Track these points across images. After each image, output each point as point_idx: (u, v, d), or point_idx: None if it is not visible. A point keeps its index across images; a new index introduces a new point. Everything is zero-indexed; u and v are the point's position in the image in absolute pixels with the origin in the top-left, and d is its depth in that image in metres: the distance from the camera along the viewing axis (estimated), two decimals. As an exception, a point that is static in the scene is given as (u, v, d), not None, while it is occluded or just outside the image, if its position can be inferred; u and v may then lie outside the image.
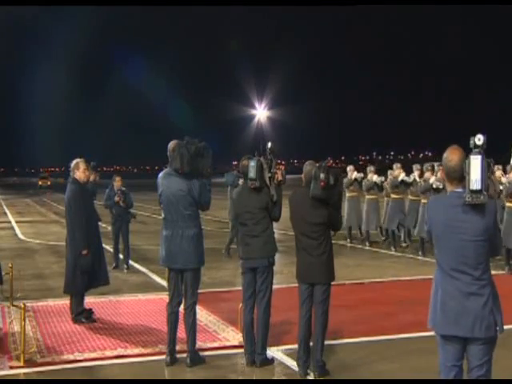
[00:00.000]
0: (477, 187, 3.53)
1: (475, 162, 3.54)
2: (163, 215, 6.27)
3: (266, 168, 6.03)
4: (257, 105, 69.13)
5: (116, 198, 11.98)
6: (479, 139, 3.63)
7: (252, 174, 5.99)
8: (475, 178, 3.54)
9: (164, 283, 10.11)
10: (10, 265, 8.57)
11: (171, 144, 6.11)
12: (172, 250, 6.11)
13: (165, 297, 9.15)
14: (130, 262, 12.25)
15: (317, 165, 5.73)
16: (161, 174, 6.28)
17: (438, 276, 3.81)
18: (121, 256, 12.28)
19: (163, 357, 6.25)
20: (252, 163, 5.99)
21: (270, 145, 6.17)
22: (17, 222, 24.03)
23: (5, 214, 28.02)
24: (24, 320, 6.30)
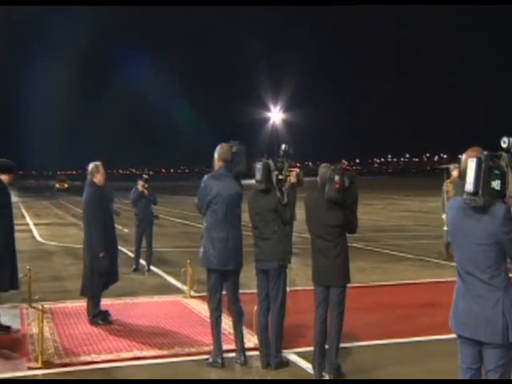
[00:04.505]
0: (470, 189, 3.53)
1: (471, 165, 3.55)
2: (212, 217, 6.15)
3: (275, 170, 6.02)
4: (272, 107, 69.14)
5: (140, 188, 12.10)
6: (504, 142, 3.60)
7: (258, 176, 6.00)
8: (470, 181, 3.54)
9: (179, 285, 10.13)
10: (28, 267, 8.64)
11: (229, 147, 6.16)
12: (228, 252, 6.09)
13: (180, 299, 9.18)
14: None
15: (332, 167, 5.71)
16: (209, 176, 6.23)
17: (456, 277, 3.80)
18: (141, 260, 12.32)
19: (179, 359, 6.26)
20: (258, 165, 6.01)
21: (283, 147, 6.15)
22: (35, 224, 24.18)
23: (23, 216, 28.21)
24: (42, 322, 6.33)
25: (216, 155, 6.24)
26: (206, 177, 6.28)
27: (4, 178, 7.50)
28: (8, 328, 7.41)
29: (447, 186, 12.83)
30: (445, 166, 12.89)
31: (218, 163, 6.23)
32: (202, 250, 6.22)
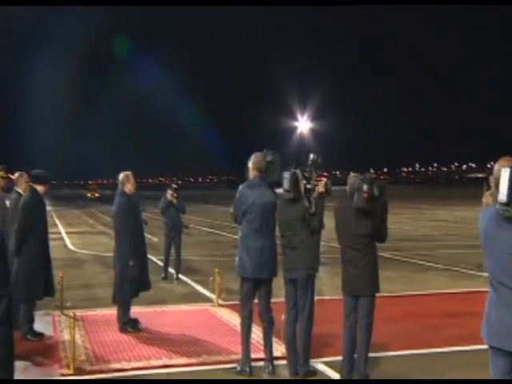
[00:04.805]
0: (504, 200, 3.49)
1: (504, 175, 3.50)
2: (247, 226, 6.18)
3: (302, 179, 6.03)
4: (299, 116, 69.07)
5: (169, 197, 12.18)
6: None
7: (286, 185, 6.01)
8: (503, 191, 3.50)
9: (208, 293, 10.19)
10: (61, 275, 8.78)
11: (264, 156, 6.20)
12: (263, 261, 6.12)
13: (209, 307, 9.23)
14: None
15: (360, 177, 5.71)
16: (245, 185, 6.26)
17: (489, 287, 3.77)
18: (170, 269, 12.40)
19: (208, 367, 6.30)
20: (286, 175, 6.01)
21: (312, 156, 6.15)
22: (67, 232, 24.50)
23: (55, 225, 28.58)
24: (74, 329, 6.43)
25: (250, 164, 6.26)
26: (241, 186, 6.31)
27: (40, 188, 7.68)
28: (41, 335, 7.53)
29: (487, 198, 12.51)
30: (476, 176, 12.68)
31: (252, 172, 6.26)
32: (237, 258, 6.26)
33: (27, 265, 7.37)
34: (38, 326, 7.70)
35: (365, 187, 5.53)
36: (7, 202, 7.99)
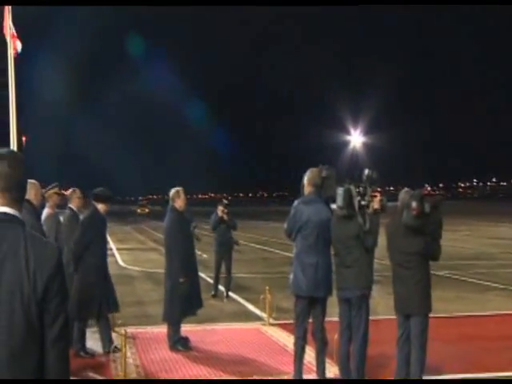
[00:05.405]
0: None
1: None
2: (302, 242, 6.20)
3: (357, 195, 5.98)
4: (352, 130, 68.65)
5: (220, 213, 12.25)
6: None
7: (339, 201, 5.95)
8: None
9: (258, 312, 10.22)
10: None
11: (319, 171, 6.22)
12: (318, 279, 6.13)
13: (259, 326, 9.26)
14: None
15: (411, 192, 5.67)
16: (300, 201, 6.30)
17: None
18: (220, 286, 12.47)
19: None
20: (340, 191, 5.96)
21: (367, 172, 6.09)
22: (117, 249, 24.92)
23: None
24: (125, 346, 6.56)
25: (305, 180, 6.27)
26: (296, 202, 6.33)
27: (101, 206, 7.79)
28: (93, 352, 7.68)
29: None
30: None
31: (307, 188, 6.27)
32: (291, 276, 6.27)
33: (82, 283, 7.51)
34: (90, 343, 7.87)
35: (414, 204, 5.48)
36: (61, 219, 8.21)
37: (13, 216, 2.12)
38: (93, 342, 8.03)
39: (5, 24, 12.91)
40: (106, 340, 7.62)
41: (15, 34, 12.90)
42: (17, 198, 2.17)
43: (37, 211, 7.15)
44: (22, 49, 13.12)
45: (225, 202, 12.64)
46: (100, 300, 7.62)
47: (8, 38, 12.88)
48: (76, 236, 7.60)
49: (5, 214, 2.12)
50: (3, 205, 2.13)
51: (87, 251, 7.54)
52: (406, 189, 5.96)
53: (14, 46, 12.89)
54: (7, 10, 12.92)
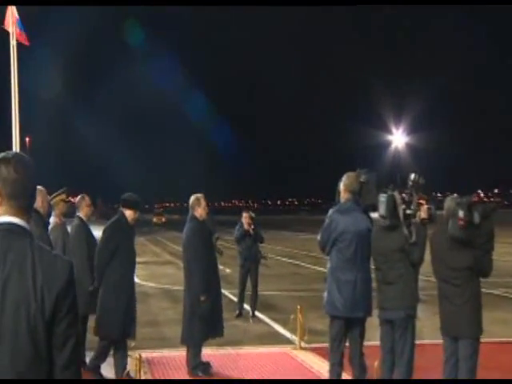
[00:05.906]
0: None
1: None
2: (338, 256, 6.20)
3: (401, 203, 5.91)
4: (393, 129, 68.25)
5: (246, 226, 12.23)
6: None
7: (382, 210, 5.88)
8: None
9: (288, 334, 10.21)
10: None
11: (357, 176, 6.20)
12: (356, 297, 6.11)
13: (289, 350, 9.24)
14: (251, 310, 12.42)
15: (457, 200, 5.60)
16: (336, 210, 6.29)
17: None
18: (245, 305, 12.45)
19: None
20: (382, 198, 5.88)
21: (413, 176, 6.01)
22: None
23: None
24: (139, 372, 6.59)
25: (342, 186, 6.26)
26: (331, 211, 6.30)
27: (129, 213, 7.48)
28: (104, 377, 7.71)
29: None
30: None
31: (344, 195, 6.25)
32: (325, 294, 6.24)
33: (102, 302, 7.37)
34: (102, 366, 7.88)
35: (461, 213, 5.42)
36: (68, 229, 8.26)
37: (20, 227, 2.11)
38: (105, 364, 8.04)
39: (7, 21, 13.29)
40: (120, 367, 7.44)
41: (22, 32, 13.31)
42: (25, 206, 2.15)
43: (44, 220, 7.18)
44: (22, 48, 13.53)
45: (251, 213, 12.56)
46: (123, 325, 7.32)
47: (11, 30, 13.22)
48: (98, 246, 7.50)
49: (11, 224, 2.10)
50: (10, 214, 2.11)
51: (108, 266, 7.31)
52: (453, 195, 5.89)
53: (21, 39, 13.31)
54: (10, 10, 13.27)
